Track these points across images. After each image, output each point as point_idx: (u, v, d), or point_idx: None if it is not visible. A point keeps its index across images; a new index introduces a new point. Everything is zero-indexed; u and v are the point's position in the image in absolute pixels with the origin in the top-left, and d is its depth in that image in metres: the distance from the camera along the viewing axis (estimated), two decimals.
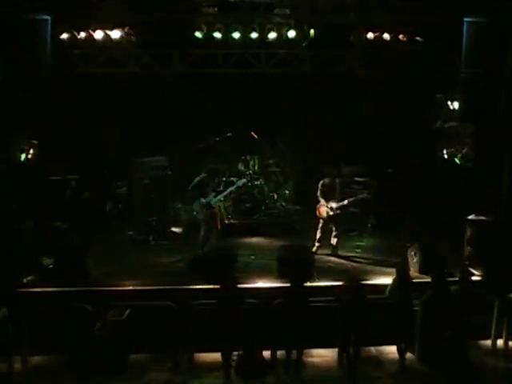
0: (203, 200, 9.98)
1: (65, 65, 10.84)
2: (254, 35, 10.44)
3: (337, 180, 10.32)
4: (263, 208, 12.12)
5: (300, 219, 11.98)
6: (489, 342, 8.07)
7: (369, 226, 11.68)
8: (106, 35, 10.44)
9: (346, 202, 10.14)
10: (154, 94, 12.22)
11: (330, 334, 7.64)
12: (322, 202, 10.26)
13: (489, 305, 8.00)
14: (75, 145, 11.67)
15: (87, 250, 9.30)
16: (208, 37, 10.53)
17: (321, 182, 10.38)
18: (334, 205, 10.15)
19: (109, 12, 10.13)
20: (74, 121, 11.64)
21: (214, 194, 10.10)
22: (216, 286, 7.76)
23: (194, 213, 10.14)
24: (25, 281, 8.63)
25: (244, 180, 11.25)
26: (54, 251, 9.24)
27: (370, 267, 9.59)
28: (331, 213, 10.15)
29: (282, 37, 10.57)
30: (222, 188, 10.50)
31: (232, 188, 10.55)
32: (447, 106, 10.82)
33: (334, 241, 10.32)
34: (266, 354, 7.56)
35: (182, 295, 8.15)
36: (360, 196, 10.52)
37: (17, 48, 9.52)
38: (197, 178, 10.12)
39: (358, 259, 10.14)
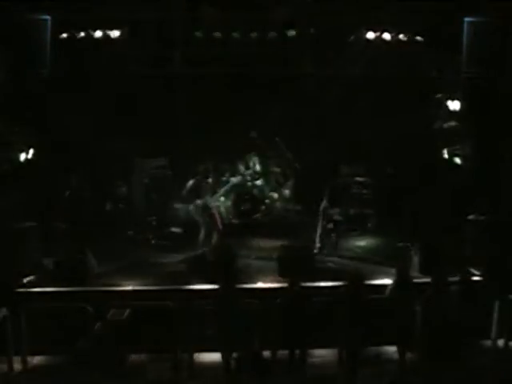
0: (199, 202, 9.99)
1: (65, 65, 10.83)
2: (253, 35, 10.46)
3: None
4: (263, 208, 12.11)
5: (300, 219, 11.96)
6: (489, 342, 8.07)
7: (369, 225, 11.66)
8: (106, 35, 10.44)
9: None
10: (154, 94, 12.20)
11: (331, 334, 7.64)
12: (325, 202, 10.25)
13: (489, 305, 7.99)
14: (75, 145, 11.65)
15: (87, 250, 9.29)
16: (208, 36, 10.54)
17: (330, 184, 10.34)
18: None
19: (109, 12, 10.14)
20: (74, 121, 11.62)
21: (209, 195, 10.11)
22: (216, 286, 7.76)
23: (192, 215, 10.15)
24: (25, 281, 8.63)
25: (239, 178, 11.17)
26: (53, 251, 9.24)
27: (370, 267, 9.58)
28: (334, 216, 10.16)
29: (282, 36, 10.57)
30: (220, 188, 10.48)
31: (227, 187, 10.52)
32: (447, 106, 10.82)
33: (333, 240, 10.32)
34: (266, 353, 7.57)
35: (181, 295, 8.15)
36: None
37: (17, 48, 9.53)
38: (189, 182, 10.12)
39: (358, 259, 10.13)
